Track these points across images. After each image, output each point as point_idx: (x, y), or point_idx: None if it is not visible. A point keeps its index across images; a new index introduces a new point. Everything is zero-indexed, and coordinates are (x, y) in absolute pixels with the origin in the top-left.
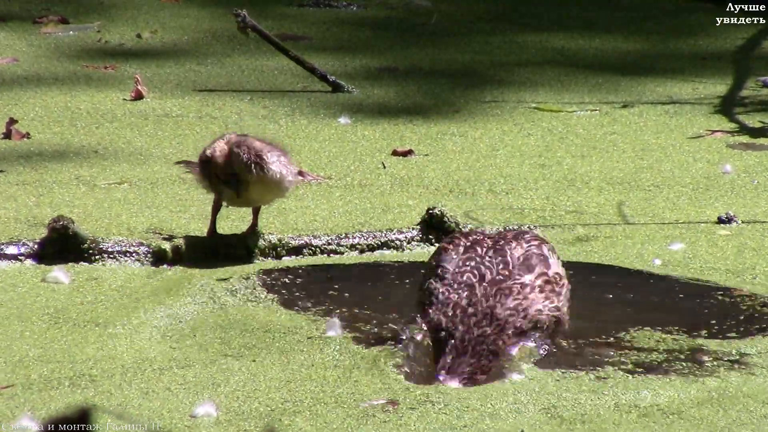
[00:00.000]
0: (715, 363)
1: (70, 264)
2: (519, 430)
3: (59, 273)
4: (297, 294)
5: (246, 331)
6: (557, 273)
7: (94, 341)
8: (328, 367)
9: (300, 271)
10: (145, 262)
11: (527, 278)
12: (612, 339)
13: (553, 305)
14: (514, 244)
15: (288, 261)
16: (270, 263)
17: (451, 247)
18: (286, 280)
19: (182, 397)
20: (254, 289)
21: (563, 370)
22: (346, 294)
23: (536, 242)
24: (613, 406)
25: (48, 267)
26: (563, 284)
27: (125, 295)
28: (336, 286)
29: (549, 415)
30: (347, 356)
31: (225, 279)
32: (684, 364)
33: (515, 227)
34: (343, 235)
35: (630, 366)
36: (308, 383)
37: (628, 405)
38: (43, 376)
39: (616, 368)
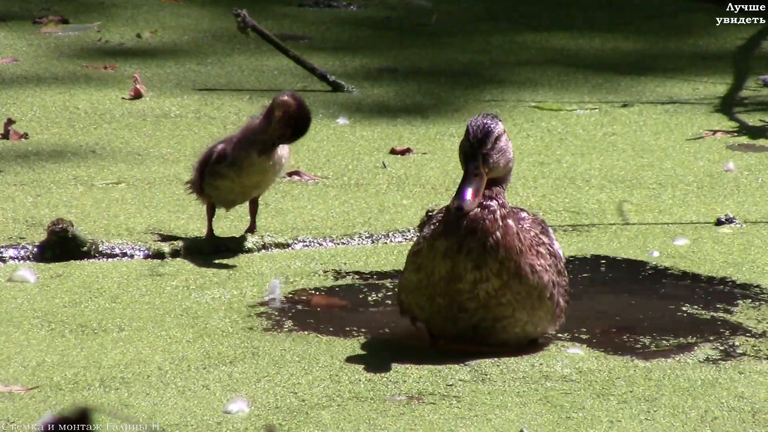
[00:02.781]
0: (700, 355)
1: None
2: (520, 430)
3: (25, 272)
4: (312, 288)
5: (262, 329)
6: (558, 252)
7: (115, 344)
8: (355, 363)
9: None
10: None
11: (537, 234)
12: (607, 331)
13: (553, 274)
14: (518, 210)
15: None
16: (276, 261)
17: (440, 215)
18: (296, 275)
19: (219, 395)
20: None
21: (561, 363)
22: (373, 292)
23: (539, 219)
24: (596, 395)
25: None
26: (563, 269)
27: (112, 294)
28: (364, 290)
29: (549, 404)
30: (375, 351)
31: (232, 267)
32: (671, 356)
33: None
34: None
35: (620, 358)
36: (337, 378)
37: (607, 393)
38: (67, 379)
39: (609, 360)
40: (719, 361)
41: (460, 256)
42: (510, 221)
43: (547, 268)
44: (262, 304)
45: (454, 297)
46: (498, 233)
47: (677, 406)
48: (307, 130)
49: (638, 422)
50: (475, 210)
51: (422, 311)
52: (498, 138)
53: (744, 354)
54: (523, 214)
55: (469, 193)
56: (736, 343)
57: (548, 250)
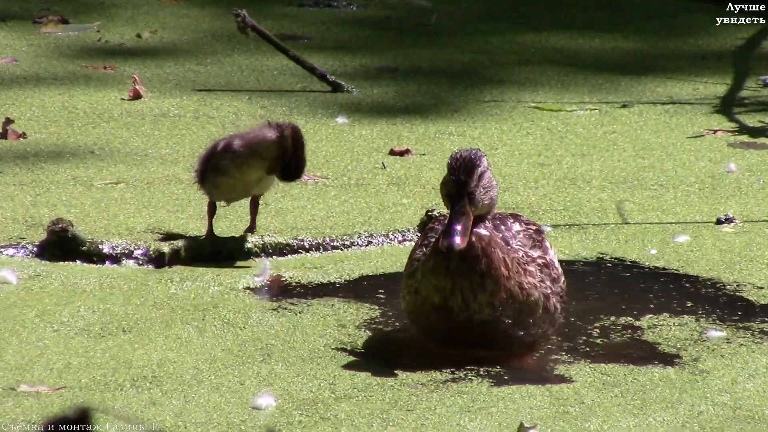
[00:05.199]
0: (686, 352)
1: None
2: (519, 423)
3: (7, 273)
4: (325, 283)
5: (282, 324)
6: (552, 260)
7: (141, 345)
8: (375, 354)
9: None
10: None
11: (525, 253)
12: (606, 328)
13: (546, 288)
14: (512, 221)
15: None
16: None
17: (437, 224)
18: (305, 271)
19: (251, 391)
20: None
21: (563, 358)
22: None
23: (534, 226)
24: (599, 385)
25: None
26: (559, 275)
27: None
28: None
29: (550, 396)
30: (398, 342)
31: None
32: (660, 353)
33: None
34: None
35: (617, 353)
36: (362, 369)
37: (610, 383)
38: (96, 380)
39: (607, 356)
40: (705, 358)
41: (451, 294)
42: (494, 249)
43: (537, 284)
44: (276, 301)
45: (450, 325)
46: (483, 265)
47: (666, 400)
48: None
49: (632, 416)
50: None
51: (421, 328)
52: (482, 174)
53: (727, 350)
54: (515, 227)
55: (458, 231)
56: (721, 340)
57: (539, 264)
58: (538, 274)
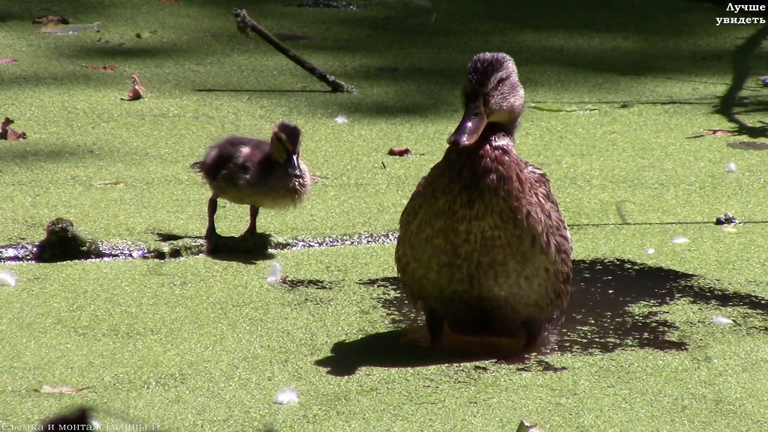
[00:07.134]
0: (675, 347)
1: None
2: (520, 422)
3: (5, 275)
4: (343, 279)
5: (303, 321)
6: (559, 216)
7: (161, 345)
8: (399, 346)
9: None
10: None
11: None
12: (606, 326)
13: (549, 224)
14: (525, 163)
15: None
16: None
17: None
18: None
19: (273, 388)
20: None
21: (561, 353)
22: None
23: (539, 171)
24: (593, 378)
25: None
26: (561, 220)
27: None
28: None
29: (547, 388)
30: (419, 333)
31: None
32: (650, 349)
33: None
34: None
35: (616, 349)
36: (386, 362)
37: (605, 377)
38: (119, 379)
39: (606, 350)
40: (693, 353)
41: (458, 196)
42: (507, 158)
43: (541, 218)
44: (293, 296)
45: (450, 239)
46: (494, 175)
47: (649, 392)
48: (296, 134)
49: (622, 411)
50: (474, 146)
51: (419, 264)
52: (502, 80)
53: (721, 347)
54: (529, 168)
55: (467, 128)
56: (709, 337)
57: (545, 194)
58: (545, 206)
